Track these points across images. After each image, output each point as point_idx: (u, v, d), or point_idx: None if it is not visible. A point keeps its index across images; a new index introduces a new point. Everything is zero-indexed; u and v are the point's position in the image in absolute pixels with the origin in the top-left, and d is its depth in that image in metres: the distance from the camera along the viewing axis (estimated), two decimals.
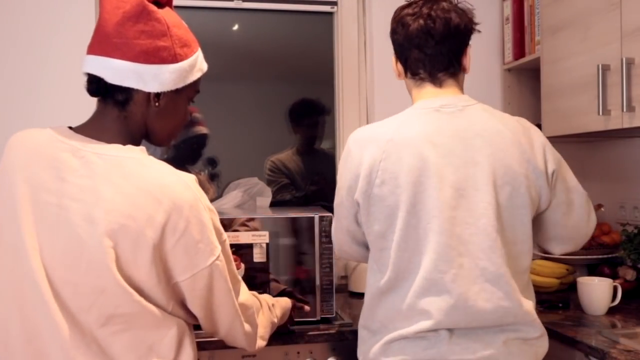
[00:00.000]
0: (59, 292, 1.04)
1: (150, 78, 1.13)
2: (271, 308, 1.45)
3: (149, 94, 1.15)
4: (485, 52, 2.49)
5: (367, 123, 2.33)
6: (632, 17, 1.71)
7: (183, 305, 1.16)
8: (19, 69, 2.20)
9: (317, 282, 1.84)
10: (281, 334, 1.66)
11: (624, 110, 1.71)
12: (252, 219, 1.84)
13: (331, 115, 2.57)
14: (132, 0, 1.12)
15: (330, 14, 2.54)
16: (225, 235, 1.20)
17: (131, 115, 1.16)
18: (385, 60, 1.60)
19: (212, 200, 2.36)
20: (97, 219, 1.03)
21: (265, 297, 1.47)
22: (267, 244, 1.81)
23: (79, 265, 1.04)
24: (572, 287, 2.04)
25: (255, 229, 1.82)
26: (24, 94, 2.20)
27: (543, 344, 1.44)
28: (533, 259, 2.22)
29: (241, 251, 1.79)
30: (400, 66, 1.53)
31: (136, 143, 1.18)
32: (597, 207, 2.14)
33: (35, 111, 2.20)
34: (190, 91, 1.23)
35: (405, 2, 1.53)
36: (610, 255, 2.19)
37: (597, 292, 1.89)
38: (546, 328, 1.76)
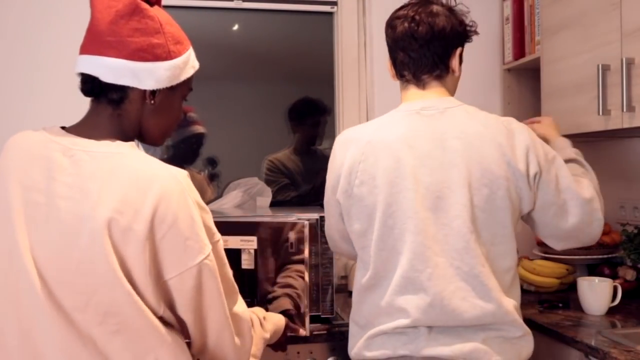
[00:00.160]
0: (53, 291, 1.04)
1: (145, 75, 1.13)
2: (262, 322, 1.38)
3: (144, 91, 1.15)
4: (485, 52, 2.49)
5: None
6: (632, 17, 1.71)
7: (173, 310, 1.12)
8: (11, 69, 2.20)
9: (318, 282, 1.84)
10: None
11: (624, 110, 1.71)
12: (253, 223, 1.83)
13: (331, 115, 2.57)
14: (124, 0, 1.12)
15: (330, 14, 2.55)
16: (218, 236, 1.17)
17: (125, 114, 1.16)
18: (385, 60, 1.60)
19: (212, 200, 2.39)
20: (85, 216, 1.03)
21: (256, 311, 1.40)
22: (255, 250, 1.73)
23: (70, 264, 1.03)
24: (572, 287, 2.04)
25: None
26: (16, 94, 2.20)
27: (526, 345, 1.45)
28: (533, 259, 2.24)
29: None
30: (392, 68, 1.57)
31: (128, 141, 1.16)
32: None
33: (28, 112, 2.20)
34: (184, 89, 1.23)
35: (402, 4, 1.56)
36: (610, 255, 2.19)
37: (597, 292, 1.89)
38: (546, 328, 1.77)
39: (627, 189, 2.21)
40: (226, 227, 1.50)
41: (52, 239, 1.04)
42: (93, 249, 1.02)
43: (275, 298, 1.71)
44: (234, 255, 1.68)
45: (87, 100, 1.19)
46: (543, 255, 2.28)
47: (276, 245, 1.71)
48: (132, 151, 1.11)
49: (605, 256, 2.18)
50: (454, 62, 1.51)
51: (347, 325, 1.81)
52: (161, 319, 1.09)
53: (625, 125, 1.74)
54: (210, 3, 2.45)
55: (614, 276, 2.07)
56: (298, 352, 1.76)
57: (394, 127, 1.46)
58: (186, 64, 1.20)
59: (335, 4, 2.52)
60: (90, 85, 1.14)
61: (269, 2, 2.48)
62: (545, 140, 1.66)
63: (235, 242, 1.72)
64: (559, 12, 2.05)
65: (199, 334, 1.16)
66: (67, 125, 1.17)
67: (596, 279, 1.94)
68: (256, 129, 2.56)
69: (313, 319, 1.85)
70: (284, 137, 2.57)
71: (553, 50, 2.09)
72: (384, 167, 1.42)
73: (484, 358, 1.38)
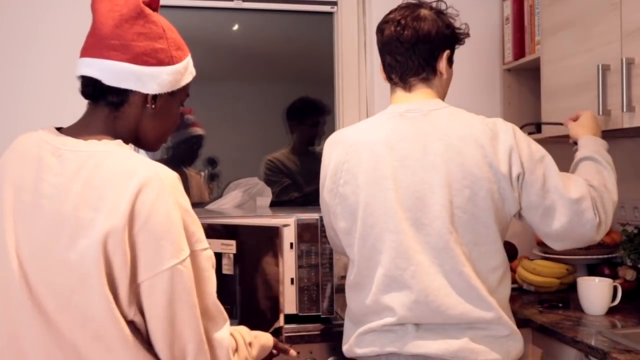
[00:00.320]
0: (36, 292, 1.03)
1: (148, 79, 1.13)
2: (247, 346, 1.26)
3: (145, 95, 1.15)
4: (485, 52, 2.49)
5: None
6: (632, 17, 1.71)
7: (143, 321, 1.05)
8: (10, 71, 2.20)
9: (318, 282, 1.85)
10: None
11: (624, 110, 1.71)
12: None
13: (331, 115, 2.57)
14: (128, 4, 1.13)
15: (330, 14, 2.54)
16: (203, 245, 1.09)
17: (123, 116, 1.16)
18: None
19: (212, 200, 2.39)
20: (66, 216, 1.02)
21: (243, 332, 1.27)
22: (235, 255, 1.64)
23: (52, 264, 1.03)
24: (572, 287, 2.04)
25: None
26: (13, 95, 2.20)
27: (514, 344, 1.46)
28: (533, 259, 2.24)
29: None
30: (382, 71, 1.61)
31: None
32: None
33: (27, 112, 2.20)
34: (182, 95, 1.23)
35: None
36: (610, 255, 2.20)
37: (597, 292, 1.89)
38: (546, 328, 1.77)
39: (627, 189, 2.21)
40: (207, 230, 1.36)
41: (36, 239, 1.04)
42: (72, 250, 1.02)
43: None
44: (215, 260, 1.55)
45: (81, 101, 1.19)
46: (543, 255, 2.28)
47: (254, 250, 1.63)
48: (118, 149, 1.09)
49: (605, 256, 2.19)
50: (442, 65, 1.54)
51: None
52: (132, 323, 1.04)
53: (625, 125, 1.74)
54: (210, 3, 2.45)
55: (614, 276, 2.07)
56: (298, 352, 1.76)
57: (378, 129, 1.51)
58: (186, 69, 1.20)
59: (335, 4, 2.52)
60: (92, 88, 1.14)
61: (269, 2, 2.48)
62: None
63: (216, 245, 1.62)
64: (559, 12, 2.05)
65: (170, 357, 1.05)
66: (64, 125, 1.17)
67: (596, 279, 1.94)
68: (256, 129, 2.56)
69: (313, 319, 1.85)
70: (284, 137, 2.57)
71: (553, 50, 2.09)
72: (365, 167, 1.47)
73: (470, 357, 1.40)
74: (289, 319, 1.84)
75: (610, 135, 1.76)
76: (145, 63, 1.12)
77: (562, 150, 1.81)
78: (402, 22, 1.51)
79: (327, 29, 2.56)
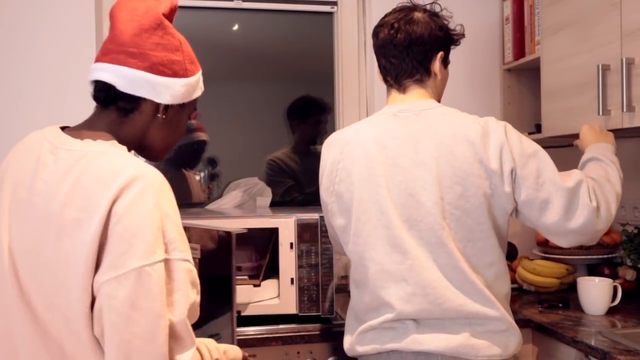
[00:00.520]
0: (26, 290, 1.04)
1: (163, 89, 1.15)
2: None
3: (157, 105, 1.16)
4: (485, 52, 2.49)
5: None
6: (632, 17, 1.71)
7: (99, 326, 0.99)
8: (10, 71, 2.21)
9: (318, 282, 1.85)
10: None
11: (624, 110, 1.71)
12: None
13: (331, 115, 2.57)
14: (149, 14, 1.15)
15: (330, 14, 2.54)
16: (182, 255, 1.03)
17: (130, 123, 1.16)
18: None
19: (212, 201, 2.39)
20: (53, 214, 1.03)
21: (210, 347, 1.17)
22: (199, 259, 1.58)
23: (40, 262, 1.03)
24: (572, 287, 2.04)
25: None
26: (13, 95, 2.20)
27: (513, 338, 1.46)
28: (533, 259, 2.24)
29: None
30: (379, 73, 1.63)
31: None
32: None
33: (21, 113, 2.20)
34: (190, 108, 1.25)
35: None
36: (610, 255, 2.20)
37: (597, 292, 1.89)
38: (546, 328, 1.77)
39: (627, 189, 2.20)
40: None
41: (27, 236, 1.05)
42: (57, 249, 1.02)
43: None
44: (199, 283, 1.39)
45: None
46: (543, 255, 2.28)
47: (212, 254, 1.59)
48: (111, 149, 1.09)
49: (605, 256, 2.19)
50: (435, 66, 1.56)
51: None
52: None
53: (625, 125, 1.74)
54: (210, 3, 2.45)
55: (614, 276, 2.07)
56: (298, 352, 1.77)
57: (372, 129, 1.55)
58: (197, 83, 1.23)
59: (335, 4, 2.52)
60: (105, 93, 1.14)
61: (269, 2, 2.48)
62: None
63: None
64: (559, 12, 2.05)
65: None
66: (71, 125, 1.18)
67: (596, 279, 1.94)
68: (256, 129, 2.56)
69: (313, 319, 1.85)
70: (284, 137, 2.57)
71: (553, 50, 2.09)
72: (359, 165, 1.51)
73: (471, 353, 1.41)
74: (289, 319, 1.84)
75: None
76: (161, 73, 1.14)
77: (562, 150, 1.81)
78: (396, 25, 1.54)
79: (327, 29, 2.56)
